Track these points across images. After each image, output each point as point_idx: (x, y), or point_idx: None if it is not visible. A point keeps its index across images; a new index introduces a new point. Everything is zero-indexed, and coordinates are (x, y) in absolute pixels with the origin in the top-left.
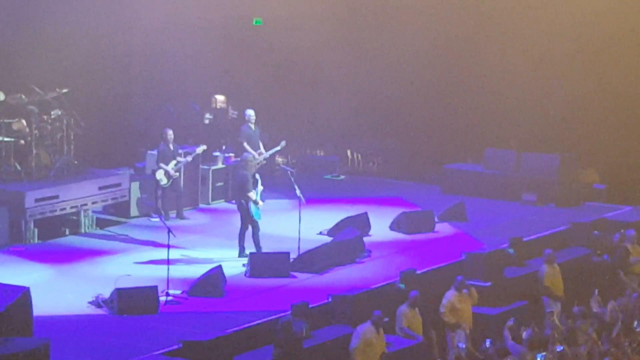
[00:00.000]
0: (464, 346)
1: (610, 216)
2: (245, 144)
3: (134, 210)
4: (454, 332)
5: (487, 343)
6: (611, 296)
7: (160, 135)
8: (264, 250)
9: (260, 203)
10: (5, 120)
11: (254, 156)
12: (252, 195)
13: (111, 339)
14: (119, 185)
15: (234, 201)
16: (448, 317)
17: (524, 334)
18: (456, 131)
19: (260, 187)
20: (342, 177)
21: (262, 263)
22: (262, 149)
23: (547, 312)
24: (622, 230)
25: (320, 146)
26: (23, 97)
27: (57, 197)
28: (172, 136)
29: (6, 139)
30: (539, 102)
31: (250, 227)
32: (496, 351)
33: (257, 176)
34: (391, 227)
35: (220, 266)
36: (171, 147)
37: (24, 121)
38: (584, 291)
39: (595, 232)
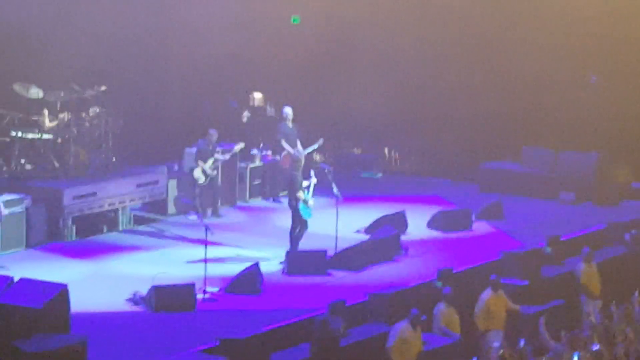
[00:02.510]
0: (499, 345)
1: None
2: (283, 142)
3: (171, 208)
4: (487, 333)
5: (522, 343)
6: None
7: (201, 134)
8: (300, 248)
9: (311, 202)
10: (41, 117)
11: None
12: (301, 195)
13: (148, 336)
14: (156, 182)
15: (271, 199)
16: (480, 322)
17: (564, 334)
18: (494, 129)
19: (313, 180)
20: (380, 175)
21: (299, 261)
22: (299, 147)
23: (585, 312)
24: None
25: (358, 144)
26: (62, 94)
27: (95, 194)
28: (216, 137)
29: (45, 137)
30: (576, 100)
31: (298, 225)
32: (531, 350)
33: (312, 173)
34: (428, 226)
35: (257, 263)
36: (210, 146)
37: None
38: (622, 290)
39: (633, 231)
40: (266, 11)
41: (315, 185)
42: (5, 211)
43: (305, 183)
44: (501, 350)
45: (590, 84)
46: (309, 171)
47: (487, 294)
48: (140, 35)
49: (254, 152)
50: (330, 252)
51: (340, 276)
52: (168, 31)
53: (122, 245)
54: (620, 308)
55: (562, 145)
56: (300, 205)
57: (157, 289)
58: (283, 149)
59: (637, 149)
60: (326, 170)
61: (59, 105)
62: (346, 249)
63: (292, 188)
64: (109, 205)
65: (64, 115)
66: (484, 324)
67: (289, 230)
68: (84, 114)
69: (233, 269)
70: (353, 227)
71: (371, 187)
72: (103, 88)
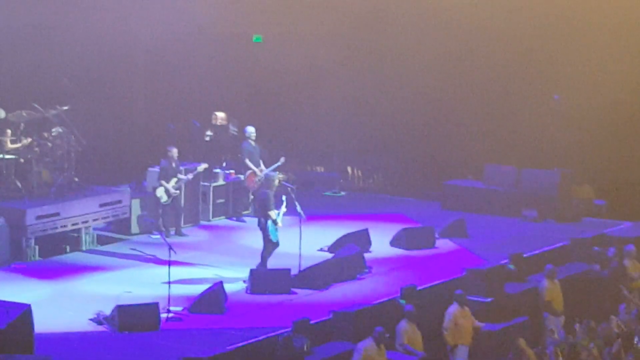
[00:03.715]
0: None
1: (610, 232)
2: (247, 161)
3: (135, 228)
4: (455, 348)
5: None
6: (612, 312)
7: (163, 153)
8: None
9: (279, 224)
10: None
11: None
12: (272, 214)
13: (112, 356)
14: (119, 202)
15: (234, 218)
16: (448, 338)
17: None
18: (456, 147)
19: (283, 209)
20: (343, 193)
21: (263, 279)
22: (262, 166)
23: (548, 329)
24: (617, 246)
25: (321, 162)
26: (24, 114)
27: (58, 214)
28: (177, 154)
29: (7, 157)
30: (539, 118)
31: (267, 245)
32: None
33: (284, 198)
34: (392, 244)
35: (221, 282)
36: (173, 165)
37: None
38: (584, 307)
39: (595, 247)
40: (228, 30)
41: (284, 213)
42: None
43: (276, 212)
44: None
45: (552, 102)
46: (280, 195)
47: (453, 308)
48: (103, 55)
49: (217, 171)
50: (294, 271)
51: (304, 294)
52: (130, 50)
53: (86, 265)
54: (583, 324)
55: (525, 163)
56: (269, 225)
57: (120, 309)
58: (246, 168)
59: (598, 166)
60: (289, 189)
61: (21, 125)
62: (310, 268)
63: (264, 206)
64: (72, 225)
65: (27, 135)
66: (453, 338)
67: (253, 249)
68: (46, 134)
69: (197, 288)
70: (316, 245)
71: (334, 205)
72: (65, 108)
